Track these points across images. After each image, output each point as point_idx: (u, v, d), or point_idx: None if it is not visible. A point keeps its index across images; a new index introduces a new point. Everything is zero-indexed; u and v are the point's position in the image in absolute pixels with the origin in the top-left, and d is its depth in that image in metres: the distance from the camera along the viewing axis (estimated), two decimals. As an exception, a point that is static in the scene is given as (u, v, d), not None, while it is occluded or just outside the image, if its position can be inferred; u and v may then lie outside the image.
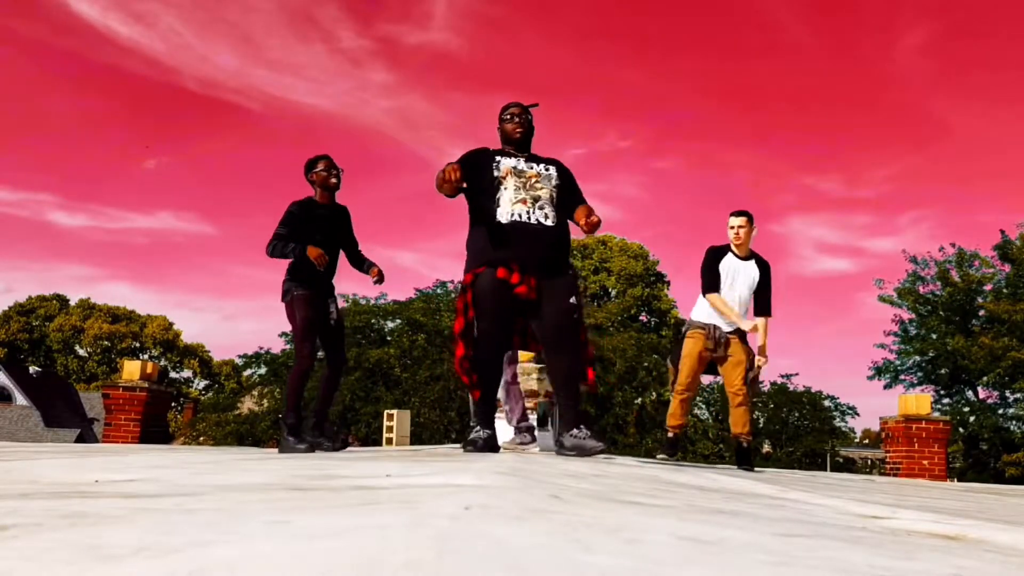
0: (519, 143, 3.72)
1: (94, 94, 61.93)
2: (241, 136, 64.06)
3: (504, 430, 5.80)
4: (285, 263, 4.48)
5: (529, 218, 3.51)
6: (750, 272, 4.94)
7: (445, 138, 60.54)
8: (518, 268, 3.43)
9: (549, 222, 3.55)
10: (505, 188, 3.55)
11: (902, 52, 50.32)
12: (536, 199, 3.56)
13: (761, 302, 4.97)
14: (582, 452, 3.43)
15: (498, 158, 3.65)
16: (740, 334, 4.90)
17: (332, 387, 4.61)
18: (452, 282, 20.43)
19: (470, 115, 57.36)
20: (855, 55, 51.17)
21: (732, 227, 4.94)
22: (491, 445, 3.60)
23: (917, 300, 24.87)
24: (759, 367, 4.93)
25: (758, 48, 54.65)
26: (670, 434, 5.06)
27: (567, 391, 3.57)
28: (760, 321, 4.92)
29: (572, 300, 3.52)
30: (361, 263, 4.71)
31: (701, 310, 4.98)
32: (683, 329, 5.12)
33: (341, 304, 4.88)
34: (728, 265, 4.94)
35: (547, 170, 3.67)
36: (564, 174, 3.76)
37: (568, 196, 3.71)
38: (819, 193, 57.92)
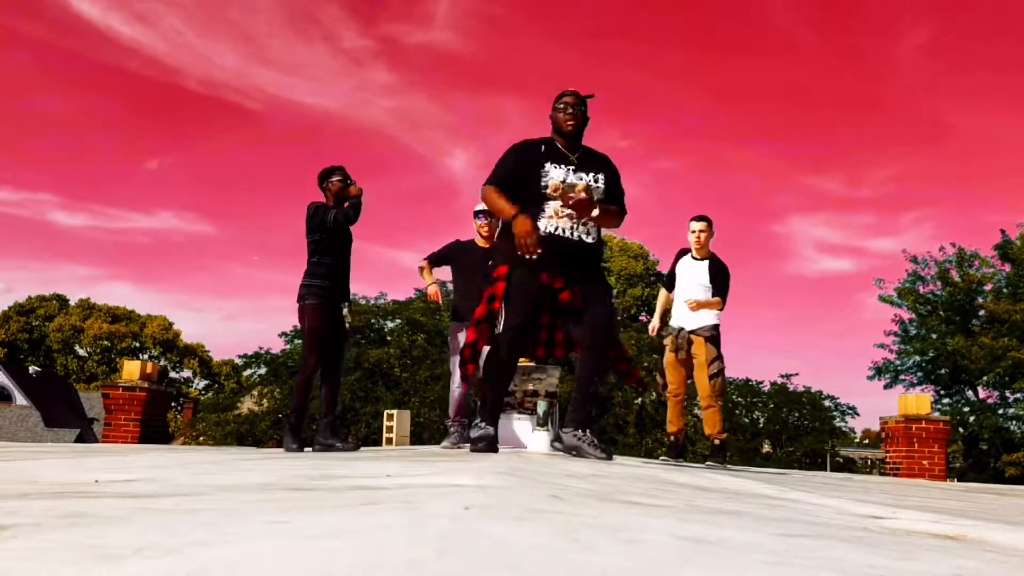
0: (570, 136, 3.66)
1: (95, 94, 62.02)
2: (242, 136, 64.16)
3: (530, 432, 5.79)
4: (300, 268, 4.64)
5: (572, 234, 3.48)
6: (703, 271, 5.35)
7: (447, 138, 60.67)
8: (561, 276, 3.46)
9: (590, 239, 3.53)
10: (552, 201, 3.51)
11: (904, 52, 50.38)
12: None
13: (716, 291, 5.30)
14: (579, 454, 3.42)
15: (547, 167, 3.56)
16: (706, 335, 5.19)
17: (333, 391, 4.68)
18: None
19: (472, 115, 57.48)
20: (857, 55, 51.20)
21: (692, 231, 5.41)
22: (494, 444, 3.57)
23: (917, 300, 24.85)
24: (720, 366, 5.20)
25: (760, 48, 54.70)
26: (671, 438, 5.43)
27: (582, 391, 3.57)
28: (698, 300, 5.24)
29: (611, 302, 3.55)
30: None
31: (672, 317, 5.43)
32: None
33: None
34: (683, 264, 5.45)
35: (596, 182, 3.59)
36: (610, 179, 3.68)
37: (608, 200, 3.65)
38: (820, 193, 57.98)
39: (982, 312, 23.85)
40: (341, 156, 60.09)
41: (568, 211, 3.47)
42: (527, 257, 3.38)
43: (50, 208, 66.20)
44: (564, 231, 3.48)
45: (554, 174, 3.53)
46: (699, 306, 5.14)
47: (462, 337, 5.44)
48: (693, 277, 5.35)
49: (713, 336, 5.19)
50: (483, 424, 3.57)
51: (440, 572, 0.59)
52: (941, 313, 24.33)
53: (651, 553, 0.74)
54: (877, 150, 54.31)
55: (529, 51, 56.65)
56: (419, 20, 58.36)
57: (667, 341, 5.37)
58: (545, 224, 3.47)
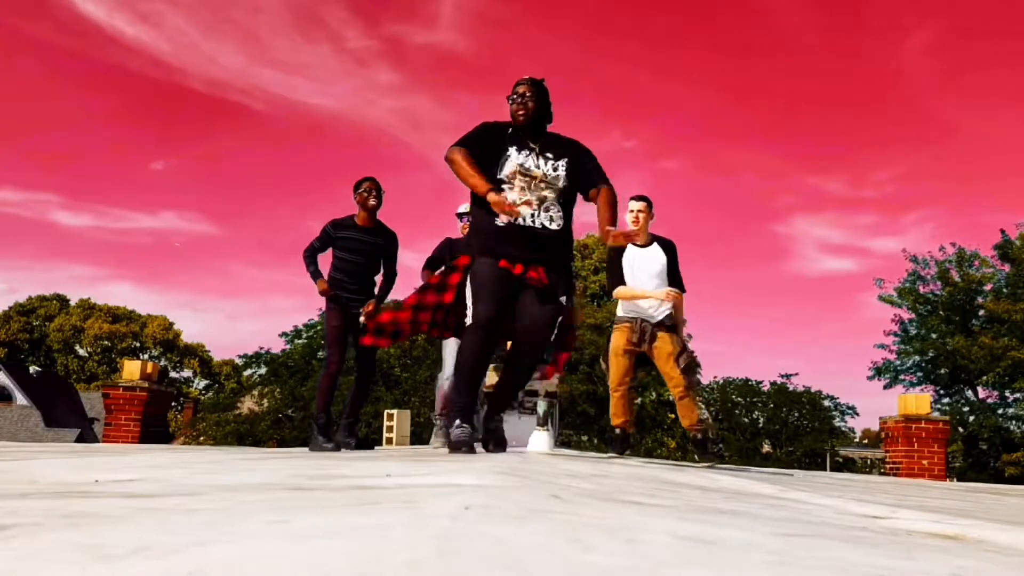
0: (524, 127, 3.49)
1: (99, 94, 62.06)
2: (246, 136, 64.22)
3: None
4: (301, 268, 4.93)
5: (533, 221, 3.38)
6: (654, 256, 4.88)
7: (450, 138, 60.46)
8: (521, 263, 3.35)
9: (554, 225, 3.42)
10: (510, 188, 3.38)
11: (907, 52, 50.41)
12: (542, 200, 3.39)
13: (674, 280, 4.88)
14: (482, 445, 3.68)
15: (510, 150, 3.44)
16: (667, 326, 4.79)
17: (361, 393, 4.95)
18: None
19: (476, 115, 57.33)
20: (861, 55, 51.27)
21: (631, 211, 4.90)
22: (473, 445, 3.43)
23: (917, 300, 24.86)
24: (691, 353, 4.81)
25: (764, 48, 54.76)
26: (617, 431, 4.98)
27: (512, 381, 3.65)
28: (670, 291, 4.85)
29: (563, 299, 3.44)
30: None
31: (624, 305, 4.92)
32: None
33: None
34: (629, 255, 4.88)
35: (555, 171, 3.45)
36: (575, 166, 3.49)
37: (577, 186, 3.50)
38: (823, 193, 58.07)
39: (982, 312, 23.86)
40: (344, 156, 60.18)
41: (526, 198, 3.31)
42: (514, 219, 3.29)
43: (53, 208, 66.29)
44: (524, 219, 3.35)
45: (514, 158, 3.42)
46: (671, 297, 4.77)
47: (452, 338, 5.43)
48: (643, 265, 4.85)
49: (673, 326, 4.83)
50: (461, 423, 3.38)
51: (441, 572, 0.59)
52: (941, 313, 24.34)
53: (651, 553, 0.74)
54: (881, 150, 54.38)
55: (533, 51, 56.64)
56: (423, 20, 58.44)
57: (618, 327, 4.84)
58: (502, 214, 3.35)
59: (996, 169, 51.91)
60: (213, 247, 68.00)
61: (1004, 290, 23.67)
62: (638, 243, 4.88)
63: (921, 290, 24.97)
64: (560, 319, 3.50)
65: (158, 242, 66.29)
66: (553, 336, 3.48)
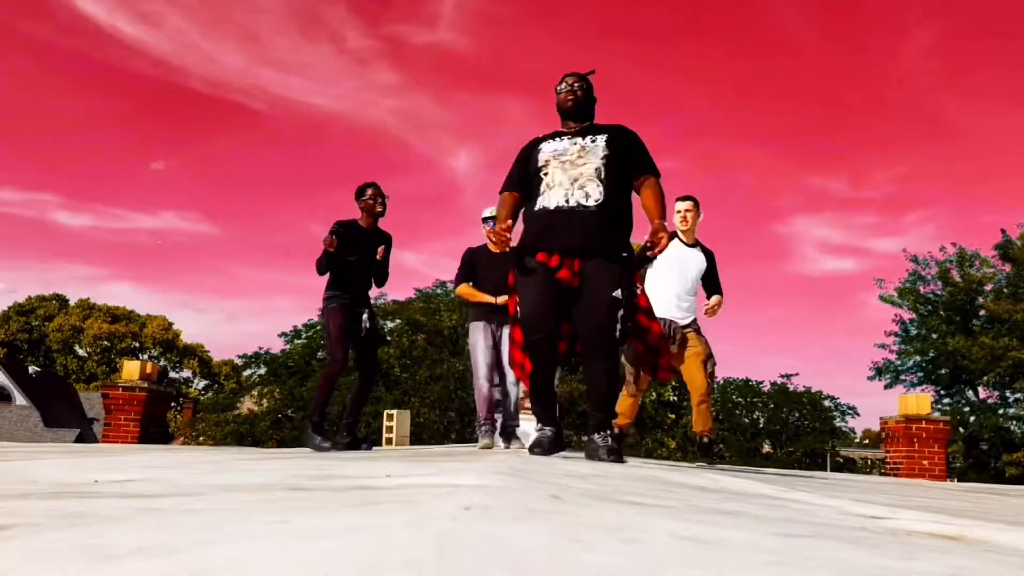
0: (571, 112, 3.44)
1: (99, 94, 62.08)
2: (246, 136, 64.29)
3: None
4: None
5: (567, 201, 3.21)
6: (698, 259, 4.83)
7: (451, 138, 60.65)
8: (558, 253, 3.18)
9: (590, 202, 3.19)
10: (546, 175, 3.29)
11: (908, 52, 50.42)
12: (576, 178, 3.23)
13: (714, 285, 4.88)
14: (590, 457, 3.21)
15: (540, 146, 3.41)
16: (694, 326, 4.76)
17: (363, 395, 4.92)
18: (451, 282, 20.32)
19: (476, 115, 57.48)
20: (862, 55, 51.29)
21: (679, 211, 4.83)
22: (558, 444, 3.36)
23: (918, 300, 24.86)
24: (714, 361, 4.79)
25: (765, 48, 54.80)
26: (618, 431, 4.82)
27: (590, 397, 3.34)
28: (715, 298, 4.87)
29: (616, 294, 3.17)
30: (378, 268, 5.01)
31: (653, 304, 4.85)
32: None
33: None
34: (676, 251, 4.77)
35: (593, 141, 3.31)
36: (618, 140, 3.34)
37: (625, 164, 3.32)
38: (824, 193, 58.12)
39: (982, 312, 23.85)
40: (345, 156, 60.21)
41: (559, 181, 3.25)
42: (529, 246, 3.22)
43: (53, 208, 66.34)
44: (559, 202, 3.21)
45: (546, 147, 3.37)
46: (714, 311, 4.79)
47: (480, 336, 5.36)
48: (689, 264, 4.77)
49: (699, 329, 4.80)
50: (542, 427, 3.37)
51: (441, 572, 0.59)
52: (942, 313, 24.34)
53: (651, 553, 0.74)
54: (882, 150, 54.41)
55: (533, 51, 56.74)
56: (424, 20, 58.50)
57: None
58: (539, 202, 3.28)
59: (996, 169, 51.91)
60: (213, 247, 68.06)
61: (1005, 290, 23.66)
62: (686, 241, 4.83)
63: (921, 290, 24.97)
64: (620, 312, 3.20)
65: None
66: (618, 330, 3.21)
